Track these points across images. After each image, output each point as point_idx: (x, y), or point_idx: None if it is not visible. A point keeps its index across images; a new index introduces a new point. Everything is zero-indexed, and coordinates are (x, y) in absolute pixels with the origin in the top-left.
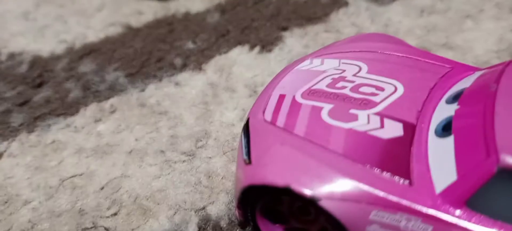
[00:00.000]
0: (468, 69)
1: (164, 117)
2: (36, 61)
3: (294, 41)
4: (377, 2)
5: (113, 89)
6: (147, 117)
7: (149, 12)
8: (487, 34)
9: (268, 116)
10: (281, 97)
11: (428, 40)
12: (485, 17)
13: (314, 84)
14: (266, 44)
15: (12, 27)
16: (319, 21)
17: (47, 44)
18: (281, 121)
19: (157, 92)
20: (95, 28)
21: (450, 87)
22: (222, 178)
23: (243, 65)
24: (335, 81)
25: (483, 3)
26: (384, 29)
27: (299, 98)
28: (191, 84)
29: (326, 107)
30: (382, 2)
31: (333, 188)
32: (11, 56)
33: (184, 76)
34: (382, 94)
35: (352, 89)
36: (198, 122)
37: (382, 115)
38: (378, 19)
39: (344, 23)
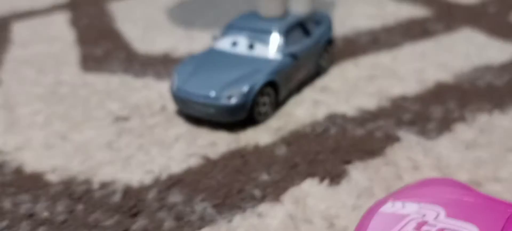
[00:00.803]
0: None
1: None
2: (128, 191)
3: (358, 174)
4: (425, 136)
5: (203, 220)
6: None
7: (222, 144)
8: None
9: None
10: None
11: (478, 173)
12: None
13: (402, 227)
14: (334, 177)
15: (98, 156)
16: (377, 155)
17: (134, 174)
18: None
19: (243, 223)
20: (176, 159)
21: None
22: None
23: (316, 197)
24: (419, 225)
25: None
26: (437, 163)
27: None
28: (272, 215)
29: None
30: (430, 137)
31: None
32: (103, 185)
33: (265, 207)
34: None
35: None
36: None
37: None
38: (430, 153)
39: (400, 156)
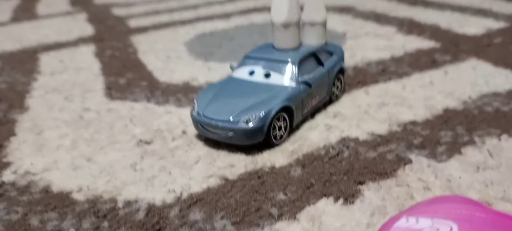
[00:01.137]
0: None
1: None
2: (151, 209)
3: (371, 194)
4: (436, 159)
5: None
6: None
7: (240, 165)
8: None
9: None
10: None
11: (488, 194)
12: None
13: None
14: (348, 197)
15: (122, 177)
16: (389, 176)
17: (157, 193)
18: None
19: None
20: (196, 179)
21: None
22: None
23: (331, 215)
24: None
25: None
26: (448, 184)
27: None
28: None
29: None
30: (441, 159)
31: None
32: (128, 203)
33: (282, 225)
34: None
35: None
36: None
37: None
38: (440, 174)
39: (412, 178)
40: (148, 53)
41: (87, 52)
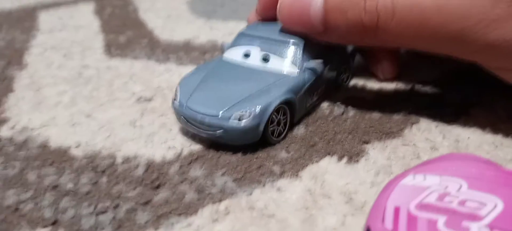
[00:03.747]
0: None
1: (272, 220)
2: (151, 165)
3: (377, 153)
4: (444, 119)
5: (224, 193)
6: (257, 219)
7: None
8: None
9: (389, 225)
10: (396, 209)
11: (497, 155)
12: None
13: (424, 198)
14: (352, 155)
15: (121, 133)
16: (396, 135)
17: (157, 150)
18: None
19: (262, 196)
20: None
21: None
22: None
23: (334, 173)
24: (441, 196)
25: None
26: (456, 145)
27: (413, 211)
28: (291, 190)
29: (441, 219)
30: (449, 120)
31: None
32: (127, 159)
33: (284, 182)
34: (486, 209)
35: (459, 204)
36: (303, 226)
37: (491, 227)
38: (448, 134)
39: (418, 137)
40: (148, 12)
41: (87, 10)
